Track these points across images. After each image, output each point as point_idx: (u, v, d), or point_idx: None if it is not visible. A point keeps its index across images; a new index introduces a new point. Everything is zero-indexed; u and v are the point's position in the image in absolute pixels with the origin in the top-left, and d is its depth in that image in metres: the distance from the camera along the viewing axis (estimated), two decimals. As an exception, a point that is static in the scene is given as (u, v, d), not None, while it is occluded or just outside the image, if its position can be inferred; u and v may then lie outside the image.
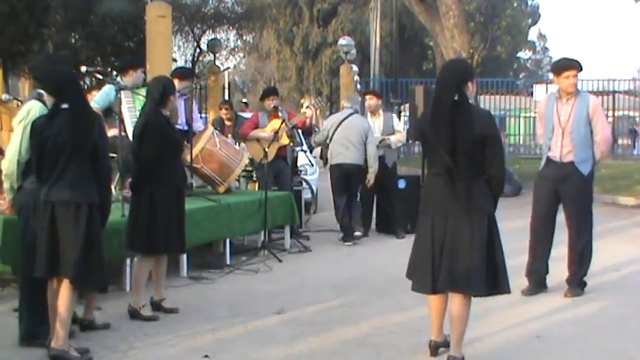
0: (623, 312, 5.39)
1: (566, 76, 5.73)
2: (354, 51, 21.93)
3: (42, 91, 4.48)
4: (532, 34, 50.55)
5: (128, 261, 5.69)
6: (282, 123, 8.00)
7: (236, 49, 30.62)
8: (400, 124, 9.16)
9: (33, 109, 4.41)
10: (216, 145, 7.20)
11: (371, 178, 8.51)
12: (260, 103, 8.91)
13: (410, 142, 10.02)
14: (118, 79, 6.74)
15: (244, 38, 28.46)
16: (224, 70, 20.94)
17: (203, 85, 19.39)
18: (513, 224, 8.03)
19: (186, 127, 6.95)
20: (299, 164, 10.07)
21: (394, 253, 7.60)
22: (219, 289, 6.04)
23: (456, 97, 4.03)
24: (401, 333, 4.81)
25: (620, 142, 26.82)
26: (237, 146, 8.21)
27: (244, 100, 21.72)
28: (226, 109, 10.23)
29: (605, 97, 20.67)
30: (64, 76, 4.29)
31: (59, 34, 16.47)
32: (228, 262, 6.91)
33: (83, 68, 6.27)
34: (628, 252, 7.71)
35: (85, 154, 4.16)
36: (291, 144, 8.59)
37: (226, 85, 23.87)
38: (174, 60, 17.87)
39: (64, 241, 4.11)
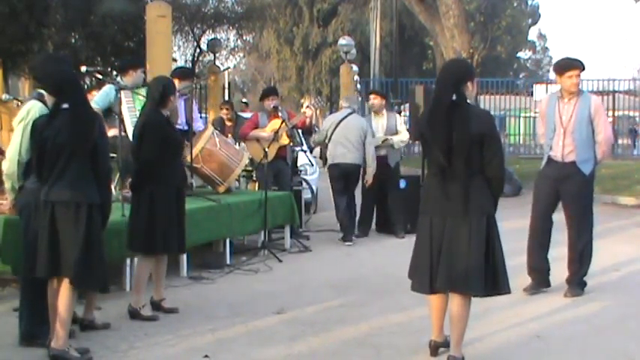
0: (623, 312, 5.40)
1: (569, 76, 5.73)
2: (354, 51, 21.95)
3: (42, 91, 4.48)
4: (532, 34, 50.64)
5: (128, 261, 5.69)
6: (282, 123, 8.00)
7: (236, 49, 30.65)
8: (403, 125, 9.14)
9: (33, 109, 4.41)
10: (216, 145, 7.20)
11: (369, 177, 8.53)
12: (260, 103, 8.91)
13: (410, 142, 9.96)
14: (118, 79, 6.74)
15: (244, 38, 28.48)
16: (224, 70, 20.95)
17: (203, 85, 19.39)
18: (513, 224, 8.02)
19: (186, 127, 6.95)
20: (299, 164, 10.08)
21: (394, 253, 7.60)
22: (219, 289, 6.04)
23: (454, 97, 4.03)
24: (401, 333, 4.81)
25: (620, 142, 26.81)
26: (237, 146, 8.22)
27: (244, 100, 21.71)
28: (227, 109, 10.23)
29: (605, 97, 20.66)
30: (64, 76, 4.29)
31: (59, 34, 16.47)
32: (228, 262, 6.91)
33: (83, 68, 6.27)
34: (628, 252, 7.71)
35: (84, 154, 4.15)
36: (291, 144, 8.59)
37: (226, 85, 23.89)
38: (174, 60, 17.87)
39: (65, 241, 4.11)
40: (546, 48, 55.94)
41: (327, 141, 8.58)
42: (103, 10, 15.65)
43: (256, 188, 8.41)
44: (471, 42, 15.48)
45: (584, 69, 5.77)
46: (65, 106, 4.17)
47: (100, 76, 6.54)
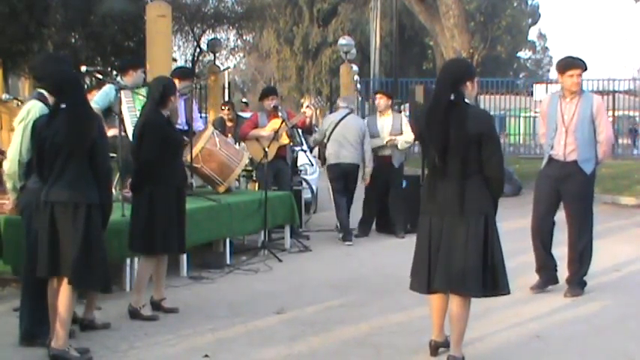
0: (623, 312, 5.39)
1: (570, 75, 5.73)
2: (354, 51, 21.94)
3: (43, 91, 4.49)
4: (532, 34, 50.65)
5: (128, 261, 5.69)
6: (282, 123, 8.00)
7: (236, 49, 30.66)
8: (408, 125, 9.10)
9: (33, 109, 4.41)
10: (216, 145, 7.20)
11: (367, 177, 8.58)
12: (259, 103, 8.91)
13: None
14: (118, 78, 6.74)
15: (244, 38, 28.48)
16: (224, 69, 20.94)
17: (203, 84, 19.38)
18: (513, 224, 8.03)
19: (186, 127, 6.95)
20: (299, 164, 10.08)
21: (394, 253, 7.60)
22: (219, 289, 6.04)
23: (452, 97, 4.03)
24: (401, 333, 4.81)
25: (620, 141, 26.82)
26: (237, 146, 8.22)
27: (244, 100, 21.73)
28: (228, 109, 10.22)
29: (605, 97, 20.66)
30: (63, 75, 4.29)
31: (59, 34, 16.46)
32: (228, 262, 6.91)
33: (83, 68, 6.27)
34: (628, 252, 7.71)
35: (82, 154, 4.14)
36: (291, 144, 8.59)
37: (226, 85, 23.89)
38: (174, 60, 17.86)
39: (64, 241, 4.12)
40: (546, 48, 55.99)
41: (325, 141, 8.61)
42: (103, 10, 15.64)
43: (256, 188, 8.41)
44: (471, 42, 15.47)
45: (586, 69, 5.76)
46: (64, 106, 4.17)
47: (100, 76, 6.54)
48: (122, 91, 6.30)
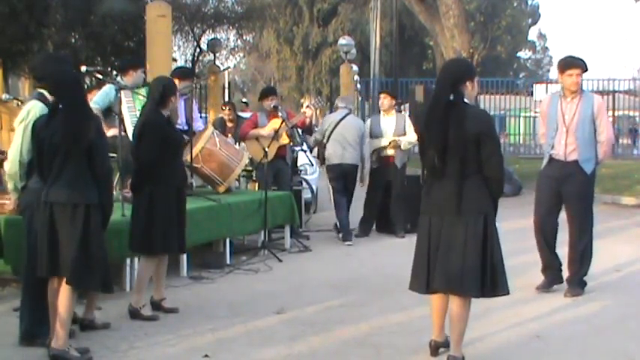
0: (623, 312, 5.39)
1: (569, 74, 5.74)
2: (354, 51, 21.93)
3: (43, 91, 4.49)
4: (532, 34, 50.65)
5: (128, 261, 5.69)
6: (282, 122, 8.00)
7: (236, 49, 30.64)
8: (411, 126, 9.09)
9: (33, 109, 4.41)
10: (216, 145, 7.20)
11: (365, 178, 8.63)
12: (259, 103, 8.91)
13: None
14: (118, 78, 6.74)
15: (244, 38, 28.46)
16: (224, 69, 20.95)
17: (203, 84, 19.38)
18: (513, 224, 8.03)
19: (186, 127, 6.95)
20: (299, 164, 10.08)
21: (394, 253, 7.61)
22: (219, 289, 6.04)
23: (451, 97, 4.03)
24: (401, 333, 4.81)
25: (620, 141, 26.83)
26: (237, 146, 8.22)
27: (244, 100, 21.72)
28: (229, 109, 10.21)
29: (605, 97, 20.66)
30: (61, 75, 4.28)
31: (59, 34, 16.46)
32: (228, 262, 6.91)
33: (83, 68, 6.27)
34: (628, 252, 7.71)
35: (80, 155, 4.13)
36: (291, 144, 8.59)
37: (226, 85, 23.89)
38: (174, 60, 17.87)
39: (63, 241, 4.12)
40: (546, 48, 56.00)
41: (325, 141, 8.62)
42: (103, 10, 15.64)
43: (256, 188, 8.41)
44: (471, 42, 15.47)
45: (586, 69, 5.76)
46: (62, 106, 4.17)
47: (100, 76, 6.54)
48: (122, 91, 6.30)
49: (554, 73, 43.76)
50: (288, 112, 8.76)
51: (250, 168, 8.33)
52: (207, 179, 7.39)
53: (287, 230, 7.91)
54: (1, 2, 13.98)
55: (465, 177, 4.01)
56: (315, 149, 9.65)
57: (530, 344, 4.62)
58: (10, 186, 4.52)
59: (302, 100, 35.35)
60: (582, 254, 5.86)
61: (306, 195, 9.67)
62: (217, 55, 23.69)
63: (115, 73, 10.72)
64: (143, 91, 6.16)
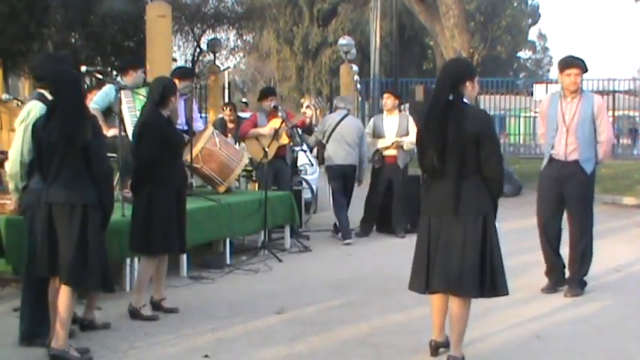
0: (623, 312, 5.39)
1: (568, 74, 5.75)
2: (354, 51, 21.92)
3: (42, 91, 4.49)
4: (532, 34, 50.62)
5: (128, 261, 5.69)
6: (282, 122, 8.01)
7: (236, 49, 30.65)
8: (414, 126, 9.08)
9: (34, 109, 4.42)
10: (216, 145, 7.20)
11: (361, 178, 8.69)
12: (258, 104, 8.91)
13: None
14: (118, 78, 6.74)
15: (244, 38, 28.47)
16: (224, 69, 20.94)
17: (203, 84, 19.39)
18: (513, 224, 8.03)
19: (186, 127, 6.95)
20: (299, 164, 10.08)
21: (394, 253, 7.60)
22: (219, 289, 6.04)
23: (450, 97, 4.02)
24: (401, 333, 4.81)
25: (620, 141, 26.83)
26: (237, 146, 8.22)
27: (244, 100, 21.74)
28: (230, 110, 10.21)
29: (605, 97, 20.66)
30: (59, 75, 4.28)
31: (59, 34, 16.47)
32: (228, 262, 6.91)
33: (83, 68, 6.27)
34: (628, 252, 7.70)
35: (77, 155, 4.12)
36: (291, 144, 8.60)
37: (226, 85, 23.89)
38: (174, 60, 17.86)
39: (61, 241, 4.12)
40: (546, 48, 55.96)
41: (325, 141, 8.64)
42: (103, 10, 15.64)
43: (256, 188, 8.41)
44: (471, 42, 15.48)
45: (585, 70, 5.76)
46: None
47: (100, 76, 6.54)
48: (122, 91, 6.30)
49: (554, 73, 43.83)
50: (288, 112, 8.77)
51: (250, 168, 8.33)
52: (207, 179, 7.39)
53: (287, 230, 7.91)
54: (1, 2, 13.98)
55: (464, 177, 4.00)
56: (315, 149, 9.68)
57: (530, 344, 4.62)
58: (11, 186, 4.53)
59: (302, 100, 35.36)
60: (583, 254, 5.86)
61: (306, 195, 9.67)
62: (217, 55, 23.70)
63: (115, 73, 10.72)
64: (143, 91, 6.16)
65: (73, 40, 17.23)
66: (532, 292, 5.85)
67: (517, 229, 8.08)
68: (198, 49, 24.16)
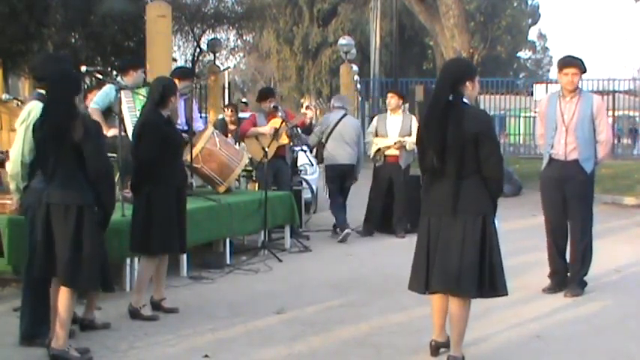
0: (623, 312, 5.39)
1: (565, 73, 5.77)
2: (354, 51, 21.94)
3: (43, 91, 4.49)
4: (532, 34, 50.60)
5: (128, 261, 5.69)
6: (282, 122, 8.01)
7: (236, 49, 30.68)
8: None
9: (34, 109, 4.41)
10: (216, 145, 7.20)
11: (357, 175, 8.79)
12: (257, 104, 8.90)
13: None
14: (118, 78, 6.74)
15: (244, 38, 28.48)
16: (224, 69, 20.96)
17: (203, 84, 19.40)
18: (513, 224, 8.03)
19: (186, 127, 6.95)
20: (299, 164, 10.09)
21: (394, 253, 7.60)
22: (219, 289, 6.04)
23: (450, 97, 4.02)
24: (401, 333, 4.81)
25: (620, 141, 26.82)
26: (237, 146, 8.22)
27: (244, 100, 21.72)
28: (231, 111, 10.21)
29: (605, 97, 20.66)
30: (52, 75, 4.27)
31: (59, 34, 16.47)
32: (228, 262, 6.91)
33: (83, 68, 6.26)
34: (628, 252, 7.70)
35: (69, 155, 4.11)
36: (291, 144, 8.62)
37: (226, 85, 23.88)
38: (174, 60, 17.88)
39: (58, 241, 4.12)
40: (546, 48, 55.93)
41: (324, 141, 8.68)
42: (103, 10, 15.64)
43: (256, 188, 8.41)
44: (471, 42, 15.48)
45: (584, 70, 5.77)
46: None
47: (100, 76, 6.54)
48: (122, 91, 6.29)
49: (554, 73, 43.69)
50: (287, 111, 8.78)
51: (250, 168, 8.33)
52: (207, 179, 7.39)
53: (287, 230, 7.91)
54: (1, 2, 13.98)
55: (464, 177, 4.00)
56: (314, 148, 9.71)
57: (530, 344, 4.62)
58: (12, 186, 4.54)
59: (302, 100, 35.38)
60: (583, 254, 5.86)
61: (306, 195, 9.67)
62: (217, 55, 23.71)
63: (115, 73, 10.72)
64: (143, 91, 6.16)
65: (73, 40, 17.23)
66: (532, 292, 5.85)
67: (517, 229, 8.08)
68: (198, 49, 24.16)
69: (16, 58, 15.59)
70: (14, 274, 5.51)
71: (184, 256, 6.30)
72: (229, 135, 9.14)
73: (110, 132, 6.35)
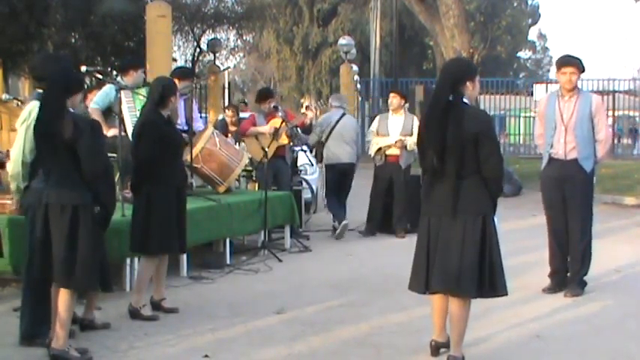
0: (623, 312, 5.39)
1: (563, 72, 5.79)
2: (354, 51, 21.93)
3: (42, 91, 4.49)
4: (532, 34, 50.59)
5: (128, 261, 5.69)
6: (282, 122, 8.01)
7: (236, 49, 30.68)
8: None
9: (35, 109, 4.41)
10: (216, 145, 7.20)
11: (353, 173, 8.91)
12: (256, 105, 8.90)
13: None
14: (118, 78, 6.74)
15: (244, 38, 28.47)
16: (224, 69, 20.96)
17: (203, 84, 19.39)
18: (513, 224, 8.03)
19: (186, 127, 6.94)
20: (299, 164, 10.10)
21: (394, 253, 7.60)
22: (219, 289, 6.03)
23: (450, 97, 4.02)
24: (401, 333, 4.81)
25: (620, 141, 26.81)
26: (237, 146, 8.22)
27: (244, 100, 21.71)
28: (233, 111, 10.21)
29: (605, 97, 20.66)
30: (50, 75, 4.27)
31: (59, 34, 16.46)
32: (228, 262, 6.91)
33: (83, 68, 6.26)
34: (628, 252, 7.70)
35: (63, 155, 4.09)
36: (292, 144, 8.63)
37: (226, 85, 23.87)
38: (174, 60, 17.87)
39: (54, 241, 4.13)
40: (546, 48, 55.93)
41: (324, 140, 8.72)
42: (103, 10, 15.64)
43: (256, 188, 8.41)
44: (471, 42, 15.48)
45: (582, 69, 5.77)
46: None
47: (100, 76, 6.54)
48: (122, 91, 6.29)
49: (554, 73, 43.66)
50: (287, 112, 8.79)
51: (250, 168, 8.33)
52: (207, 179, 7.39)
53: (287, 230, 7.91)
54: (1, 2, 13.98)
55: (464, 177, 4.00)
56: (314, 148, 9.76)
57: (530, 344, 4.62)
58: (12, 186, 4.54)
59: (302, 100, 35.36)
60: (583, 254, 5.86)
61: (306, 195, 9.68)
62: (217, 55, 23.70)
63: (115, 73, 10.72)
64: (143, 91, 6.16)
65: (73, 40, 17.23)
66: (532, 292, 5.85)
67: (517, 229, 8.08)
68: (198, 49, 24.15)
69: (16, 58, 15.59)
70: (14, 274, 5.51)
71: (184, 256, 6.30)
72: (229, 136, 9.13)
73: (110, 132, 6.35)
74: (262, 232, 7.47)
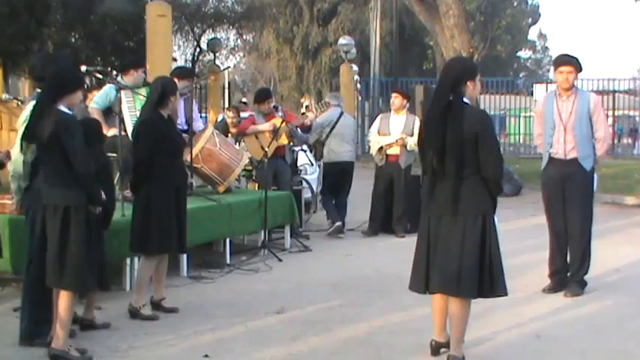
0: (623, 312, 5.39)
1: (560, 72, 5.80)
2: (354, 50, 21.90)
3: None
4: (532, 34, 50.64)
5: (128, 261, 5.69)
6: (282, 122, 8.01)
7: (236, 49, 30.63)
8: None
9: (35, 109, 4.42)
10: (216, 145, 7.20)
11: None
12: (255, 106, 8.88)
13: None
14: (119, 78, 6.74)
15: (244, 38, 28.46)
16: (224, 69, 20.93)
17: (203, 84, 19.39)
18: (513, 224, 8.03)
19: (186, 127, 6.95)
20: (299, 164, 10.10)
21: (394, 253, 7.60)
22: (219, 289, 6.04)
23: (450, 97, 4.02)
24: (401, 332, 4.81)
25: (620, 141, 26.80)
26: (237, 146, 8.22)
27: (244, 100, 21.71)
28: (233, 113, 10.21)
29: (605, 97, 20.66)
30: (49, 75, 4.28)
31: (59, 34, 16.47)
32: (228, 262, 6.91)
33: (83, 68, 6.26)
34: (628, 252, 7.70)
35: (54, 155, 4.08)
36: (292, 143, 8.63)
37: (226, 85, 23.86)
38: (174, 59, 17.87)
39: (48, 241, 4.14)
40: (546, 48, 55.92)
41: (322, 139, 8.79)
42: (103, 10, 15.64)
43: (256, 188, 8.41)
44: (471, 42, 15.47)
45: (579, 68, 5.78)
46: None
47: (100, 76, 6.54)
48: (122, 91, 6.30)
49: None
50: (287, 112, 8.80)
51: (250, 168, 8.33)
52: (207, 179, 7.39)
53: (287, 230, 7.91)
54: (1, 2, 13.97)
55: (464, 177, 4.00)
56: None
57: (530, 344, 4.62)
58: (13, 186, 4.54)
59: (302, 100, 35.35)
60: (583, 254, 5.86)
61: (306, 195, 9.68)
62: (217, 54, 23.68)
63: (115, 73, 10.72)
64: (143, 91, 6.16)
65: (73, 40, 17.24)
66: (532, 292, 5.85)
67: (517, 229, 8.08)
68: (198, 49, 24.15)
69: (16, 58, 15.58)
70: (14, 274, 5.51)
71: (184, 256, 6.30)
72: (229, 136, 9.13)
73: (110, 132, 6.36)
74: (262, 232, 7.47)
